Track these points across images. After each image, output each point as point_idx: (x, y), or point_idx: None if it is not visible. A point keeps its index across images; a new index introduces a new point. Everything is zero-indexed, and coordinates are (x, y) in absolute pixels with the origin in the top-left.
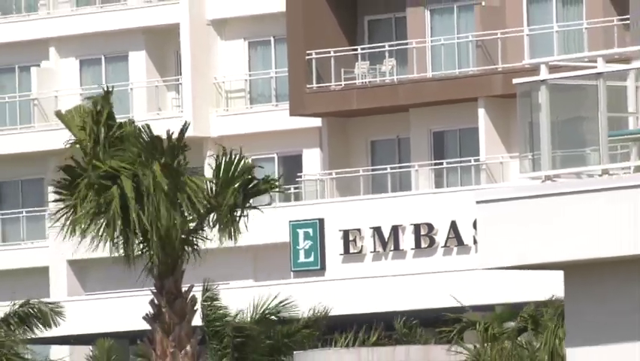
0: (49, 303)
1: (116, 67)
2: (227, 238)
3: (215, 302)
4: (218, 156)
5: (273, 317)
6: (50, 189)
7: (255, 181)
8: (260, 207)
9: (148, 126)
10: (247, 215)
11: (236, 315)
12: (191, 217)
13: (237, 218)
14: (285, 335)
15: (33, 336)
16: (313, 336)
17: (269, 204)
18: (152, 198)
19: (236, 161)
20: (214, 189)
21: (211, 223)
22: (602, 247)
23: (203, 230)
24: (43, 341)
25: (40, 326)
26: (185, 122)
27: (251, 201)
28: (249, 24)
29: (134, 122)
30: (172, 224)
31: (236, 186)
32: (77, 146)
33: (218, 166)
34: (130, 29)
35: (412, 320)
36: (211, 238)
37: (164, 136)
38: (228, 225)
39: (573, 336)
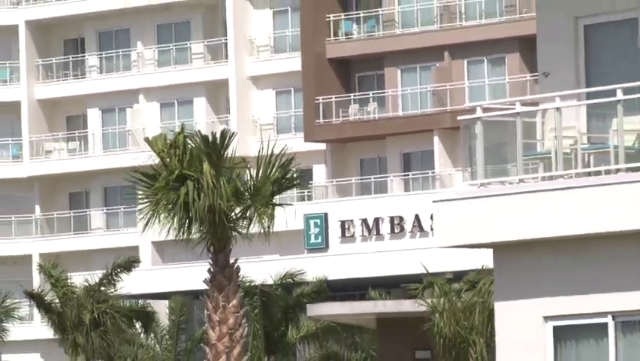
0: (129, 257)
1: (184, 109)
2: (266, 222)
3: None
4: (258, 155)
5: (290, 279)
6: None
7: (287, 177)
8: (289, 203)
9: (200, 132)
10: (282, 204)
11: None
12: (236, 207)
13: (274, 206)
14: (300, 295)
15: (126, 292)
16: (319, 297)
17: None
18: (208, 194)
19: (274, 159)
20: (256, 181)
21: (253, 212)
22: (519, 232)
23: (245, 218)
24: (133, 297)
25: (124, 272)
26: (226, 128)
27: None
28: (276, 79)
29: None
30: (222, 215)
31: (273, 180)
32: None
33: (258, 163)
34: (194, 82)
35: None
36: (249, 227)
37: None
38: (267, 210)
39: (499, 293)
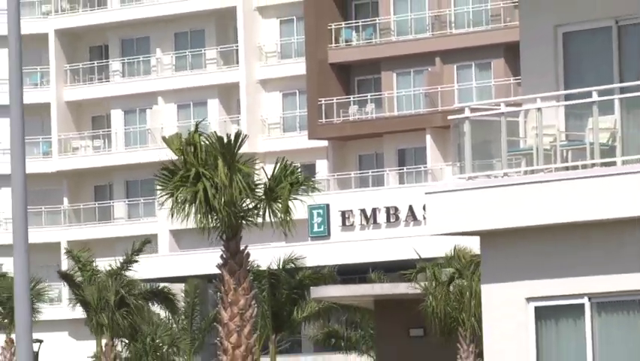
0: (143, 241)
1: (199, 109)
2: (280, 221)
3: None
4: (276, 163)
5: (292, 264)
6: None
7: (297, 180)
8: (299, 199)
9: (215, 133)
10: (292, 201)
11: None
12: (248, 200)
13: (285, 204)
14: (305, 277)
15: (146, 276)
16: (321, 280)
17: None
18: (221, 189)
19: (287, 166)
20: (269, 183)
21: (266, 210)
22: (504, 221)
23: (257, 209)
24: (152, 280)
25: (140, 256)
26: (239, 130)
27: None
28: (283, 82)
29: (201, 132)
30: (233, 207)
31: (285, 183)
32: (178, 157)
33: (274, 169)
34: (208, 85)
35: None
36: (264, 218)
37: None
38: (282, 210)
39: (486, 277)
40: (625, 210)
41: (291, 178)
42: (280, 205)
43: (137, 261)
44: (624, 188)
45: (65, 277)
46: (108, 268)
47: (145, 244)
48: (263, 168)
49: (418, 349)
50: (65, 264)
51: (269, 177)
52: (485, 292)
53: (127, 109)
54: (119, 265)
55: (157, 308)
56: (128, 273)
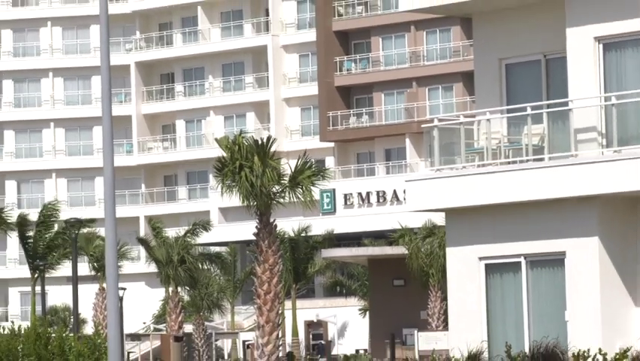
0: (204, 220)
1: (240, 120)
2: (304, 200)
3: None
4: (299, 157)
5: (305, 232)
6: (211, 175)
7: (314, 170)
8: (315, 185)
9: (252, 137)
10: (311, 186)
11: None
12: (277, 185)
13: (308, 189)
14: (315, 242)
15: (200, 241)
16: (328, 244)
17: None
18: (259, 177)
19: (307, 159)
20: (293, 173)
21: (291, 193)
22: (463, 201)
23: (283, 193)
24: (207, 244)
25: (202, 230)
26: (269, 135)
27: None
28: (301, 100)
29: (245, 135)
30: (266, 190)
31: (306, 173)
32: (226, 153)
33: (297, 161)
34: (247, 102)
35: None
36: (285, 199)
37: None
38: (305, 193)
39: (449, 242)
40: (552, 192)
41: (310, 171)
42: (301, 190)
43: (199, 231)
44: (551, 177)
45: (142, 241)
46: (175, 235)
47: (207, 224)
48: (288, 164)
49: (400, 294)
50: (142, 232)
51: (292, 169)
52: (449, 253)
53: (187, 119)
54: (182, 233)
55: (209, 266)
56: (189, 239)
